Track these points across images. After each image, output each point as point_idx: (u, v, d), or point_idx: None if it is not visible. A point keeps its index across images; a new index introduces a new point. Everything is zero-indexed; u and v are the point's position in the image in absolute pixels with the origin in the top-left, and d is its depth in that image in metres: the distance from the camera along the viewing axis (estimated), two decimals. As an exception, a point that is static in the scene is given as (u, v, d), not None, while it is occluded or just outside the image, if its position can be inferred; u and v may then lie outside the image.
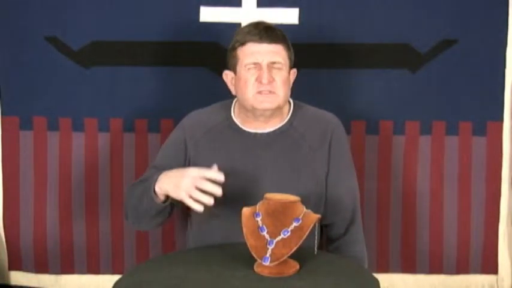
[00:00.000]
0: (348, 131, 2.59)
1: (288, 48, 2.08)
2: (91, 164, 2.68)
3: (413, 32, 2.59)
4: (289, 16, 2.58)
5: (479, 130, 2.63)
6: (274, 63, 2.03)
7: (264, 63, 2.02)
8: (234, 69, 2.08)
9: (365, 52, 2.60)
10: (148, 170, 2.20)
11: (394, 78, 2.62)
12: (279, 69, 2.04)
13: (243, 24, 2.53)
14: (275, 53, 2.03)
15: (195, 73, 2.62)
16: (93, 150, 2.68)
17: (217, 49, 2.58)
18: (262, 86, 2.02)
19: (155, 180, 1.97)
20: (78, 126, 2.67)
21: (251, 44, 2.03)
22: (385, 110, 2.64)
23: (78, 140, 2.67)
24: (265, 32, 2.03)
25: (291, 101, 2.17)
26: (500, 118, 2.63)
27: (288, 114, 2.14)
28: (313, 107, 2.20)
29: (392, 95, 2.63)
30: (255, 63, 2.02)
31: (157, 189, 1.96)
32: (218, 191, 1.86)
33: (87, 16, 2.60)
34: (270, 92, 2.02)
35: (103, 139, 2.67)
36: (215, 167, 1.90)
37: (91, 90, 2.65)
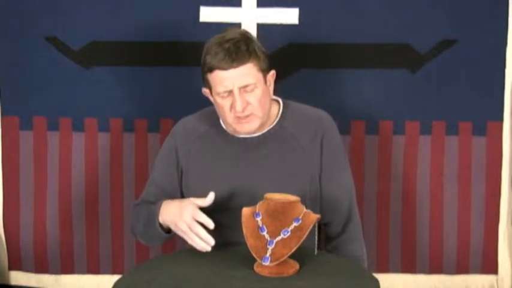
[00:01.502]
0: (348, 131, 2.60)
1: (258, 61, 1.98)
2: (91, 164, 2.69)
3: (413, 32, 2.59)
4: (289, 16, 2.58)
5: (479, 130, 2.63)
6: (245, 86, 1.96)
7: (235, 89, 1.95)
8: (210, 90, 2.04)
9: (365, 52, 2.60)
10: (147, 184, 2.18)
11: (394, 78, 2.62)
12: (252, 90, 1.98)
13: (243, 24, 2.54)
14: (244, 76, 1.95)
15: (195, 73, 2.60)
16: (93, 150, 2.68)
17: (217, 49, 2.58)
18: (237, 112, 1.97)
19: (158, 214, 1.97)
20: (78, 126, 2.67)
21: (218, 71, 1.95)
22: (385, 110, 2.64)
23: (78, 140, 2.67)
24: (229, 55, 1.93)
25: (280, 101, 2.13)
26: (500, 118, 2.63)
27: (277, 116, 2.11)
28: (303, 105, 2.16)
29: (392, 95, 2.63)
30: (226, 91, 1.97)
31: (161, 221, 1.97)
32: (209, 240, 1.86)
33: (87, 16, 2.60)
34: (247, 116, 1.99)
35: (103, 139, 2.67)
36: (211, 194, 1.88)
37: (91, 90, 2.65)
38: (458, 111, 2.63)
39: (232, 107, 1.97)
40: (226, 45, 1.94)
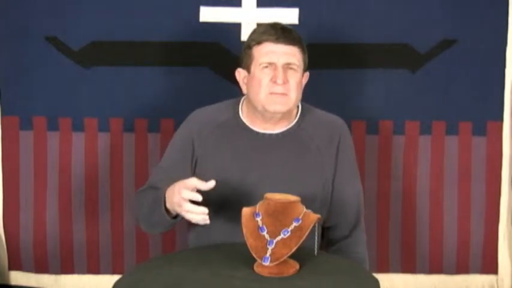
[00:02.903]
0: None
1: (303, 51, 2.06)
2: (91, 164, 2.68)
3: (413, 32, 2.59)
4: (289, 16, 2.58)
5: (479, 130, 2.63)
6: (289, 64, 2.01)
7: (280, 64, 2.00)
8: (247, 68, 2.06)
9: (365, 52, 2.60)
10: (155, 170, 2.19)
11: (394, 78, 2.62)
12: (294, 70, 2.02)
13: (243, 24, 2.54)
14: (291, 55, 2.01)
15: (195, 73, 2.62)
16: (93, 150, 2.68)
17: (217, 49, 2.58)
18: (276, 86, 2.00)
19: (164, 199, 1.96)
20: (78, 126, 2.67)
21: (267, 43, 2.01)
22: (385, 110, 2.64)
23: (78, 140, 2.67)
24: (282, 32, 2.01)
25: (300, 103, 2.15)
26: (500, 118, 2.63)
27: (296, 116, 2.13)
28: (320, 110, 2.20)
29: (392, 95, 2.63)
30: (270, 63, 2.01)
31: (168, 206, 1.96)
32: (202, 210, 1.85)
33: (87, 16, 2.60)
34: (283, 94, 2.01)
35: (103, 139, 2.67)
36: (212, 182, 1.86)
37: (91, 90, 2.65)
38: (458, 111, 2.63)
39: (272, 80, 2.00)
40: (279, 26, 2.04)
